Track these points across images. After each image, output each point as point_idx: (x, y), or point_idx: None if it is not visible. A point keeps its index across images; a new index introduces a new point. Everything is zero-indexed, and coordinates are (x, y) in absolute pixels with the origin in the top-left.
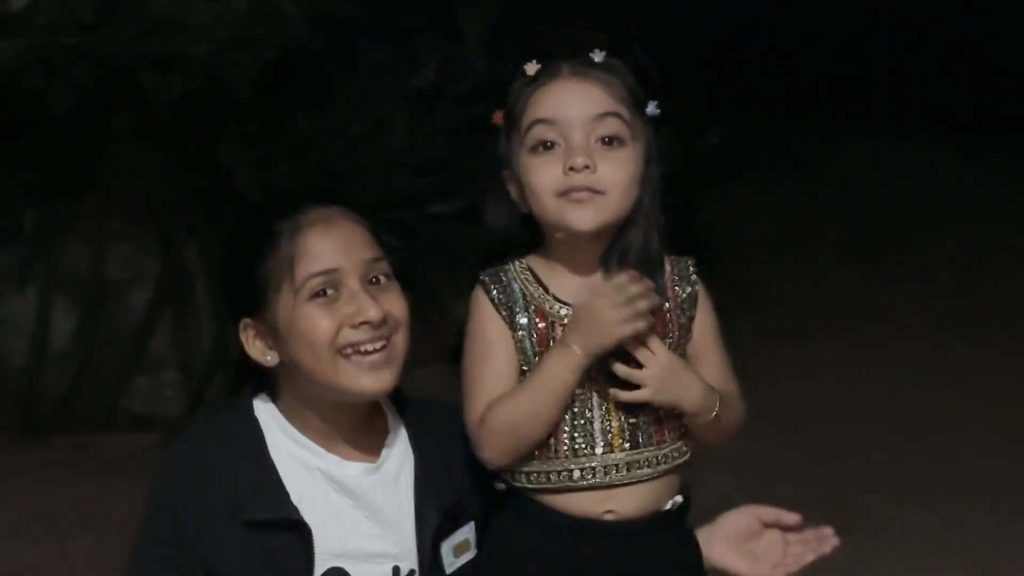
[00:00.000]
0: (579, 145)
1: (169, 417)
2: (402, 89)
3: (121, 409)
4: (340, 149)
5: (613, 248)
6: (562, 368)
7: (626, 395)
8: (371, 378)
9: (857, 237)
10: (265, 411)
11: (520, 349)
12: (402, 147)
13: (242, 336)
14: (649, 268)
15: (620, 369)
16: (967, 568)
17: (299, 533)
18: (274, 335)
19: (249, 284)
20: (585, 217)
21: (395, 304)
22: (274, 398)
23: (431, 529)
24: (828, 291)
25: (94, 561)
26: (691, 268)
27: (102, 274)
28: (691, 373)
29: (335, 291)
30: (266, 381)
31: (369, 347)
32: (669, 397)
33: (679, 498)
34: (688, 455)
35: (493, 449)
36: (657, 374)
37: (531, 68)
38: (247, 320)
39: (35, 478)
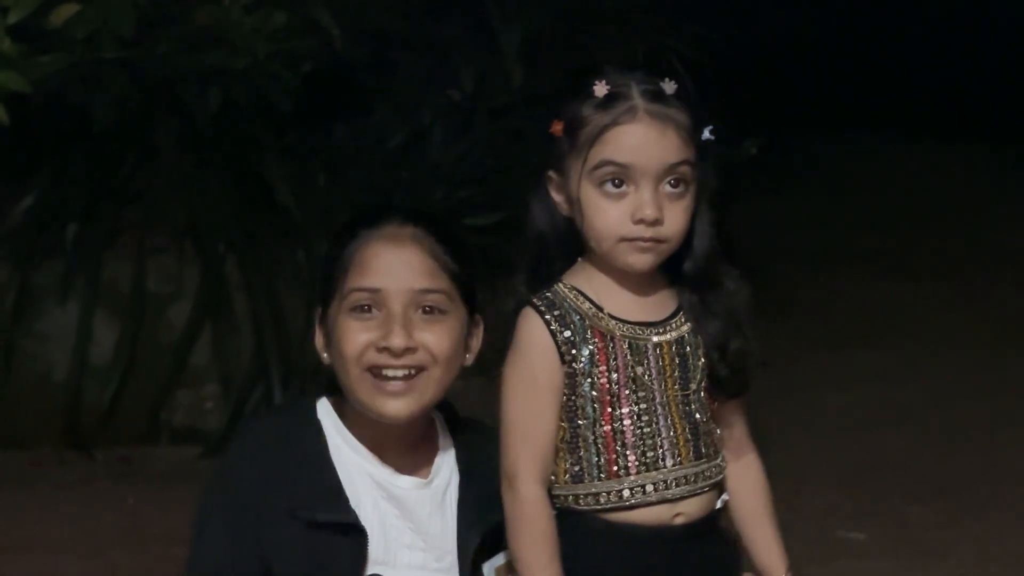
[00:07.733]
0: (650, 198)
1: (210, 430)
2: (440, 101)
3: (162, 422)
4: (379, 161)
5: (684, 268)
6: None
7: None
8: (389, 402)
9: (893, 246)
10: (327, 414)
11: (576, 384)
12: (440, 159)
13: (317, 324)
14: (712, 276)
15: None
16: None
17: (355, 537)
18: (327, 333)
19: (324, 277)
20: (646, 262)
21: (435, 339)
22: (339, 401)
23: (472, 549)
24: (865, 300)
25: (137, 574)
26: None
27: (143, 288)
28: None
29: (377, 310)
30: (335, 383)
31: (391, 372)
32: None
33: (726, 496)
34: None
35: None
36: None
37: (600, 89)
38: (320, 310)
39: (77, 492)
